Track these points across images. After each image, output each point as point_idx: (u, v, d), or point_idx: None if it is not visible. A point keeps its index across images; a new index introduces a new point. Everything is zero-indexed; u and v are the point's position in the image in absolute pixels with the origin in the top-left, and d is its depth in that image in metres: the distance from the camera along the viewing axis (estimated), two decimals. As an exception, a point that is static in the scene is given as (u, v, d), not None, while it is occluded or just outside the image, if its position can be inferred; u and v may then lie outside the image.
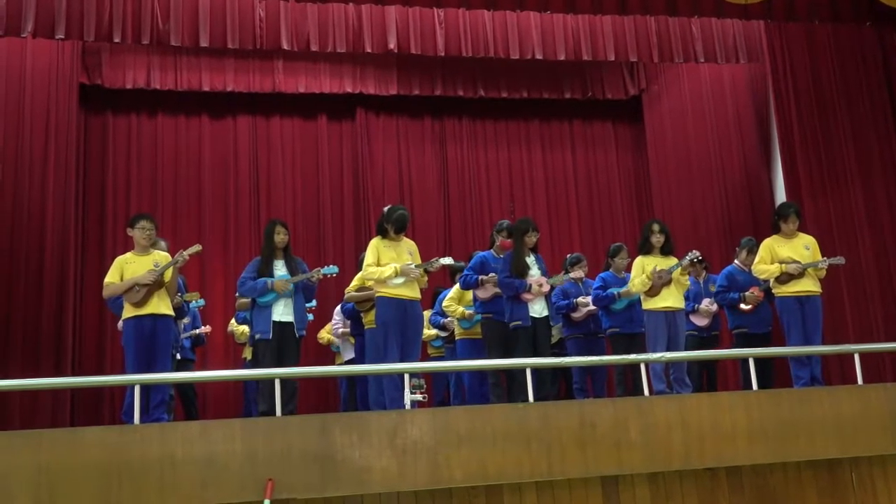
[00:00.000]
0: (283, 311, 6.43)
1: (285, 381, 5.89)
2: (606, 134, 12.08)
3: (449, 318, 8.05)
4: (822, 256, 7.08)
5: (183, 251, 6.17)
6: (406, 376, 5.71)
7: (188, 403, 8.24)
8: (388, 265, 6.43)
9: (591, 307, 7.80)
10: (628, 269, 7.58)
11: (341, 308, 8.08)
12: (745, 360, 6.90)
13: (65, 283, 9.13)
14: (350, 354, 8.47)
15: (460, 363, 7.27)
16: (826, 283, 7.16)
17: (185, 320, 7.94)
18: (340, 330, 8.63)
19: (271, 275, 6.50)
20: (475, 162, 11.56)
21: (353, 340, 8.27)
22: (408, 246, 6.66)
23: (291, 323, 6.44)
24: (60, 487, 4.75)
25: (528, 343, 6.73)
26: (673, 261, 7.01)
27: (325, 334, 9.30)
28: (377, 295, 6.52)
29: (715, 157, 10.28)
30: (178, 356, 7.52)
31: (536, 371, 6.36)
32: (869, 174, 8.61)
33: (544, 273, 7.00)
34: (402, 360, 6.29)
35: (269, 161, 10.88)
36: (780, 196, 9.44)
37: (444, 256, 6.80)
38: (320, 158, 11.03)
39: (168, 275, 6.22)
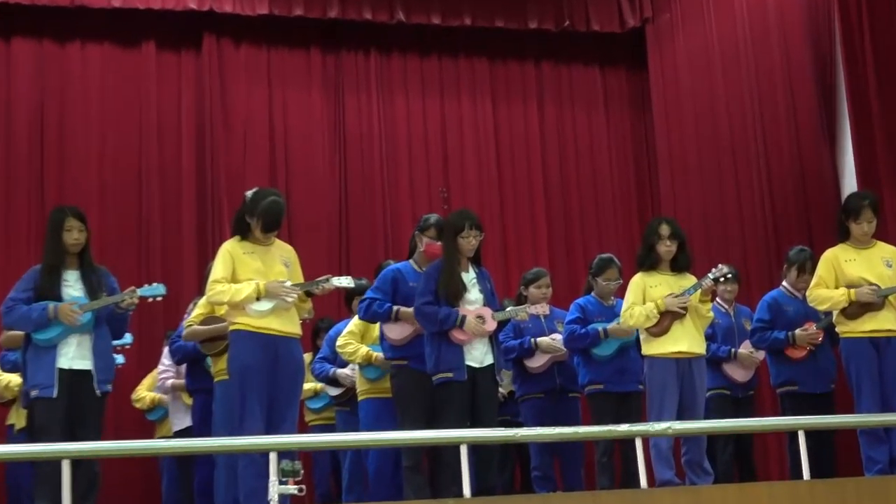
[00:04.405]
0: (74, 354, 6.31)
1: (80, 465, 5.73)
2: (591, 84, 12.15)
3: (347, 369, 8.00)
4: (913, 277, 7.19)
5: None
6: (273, 456, 5.64)
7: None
8: (248, 281, 6.35)
9: (560, 349, 7.82)
10: (620, 293, 7.62)
11: (170, 348, 7.97)
12: (793, 434, 6.97)
13: None
14: (184, 422, 8.38)
15: (359, 437, 7.19)
16: (915, 319, 7.29)
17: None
18: (170, 382, 8.53)
19: (58, 296, 6.36)
20: (390, 119, 11.54)
21: (188, 400, 8.17)
22: (282, 252, 6.61)
23: (90, 372, 6.31)
24: None
25: (462, 406, 6.68)
26: (690, 280, 7.07)
27: (144, 392, 9.17)
28: (232, 328, 6.45)
29: (753, 126, 10.41)
30: None
31: (476, 449, 6.32)
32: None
33: (490, 297, 6.96)
34: (268, 430, 6.21)
35: (64, 108, 10.74)
36: (850, 185, 9.60)
37: (339, 276, 6.71)
38: (145, 107, 10.92)
39: None
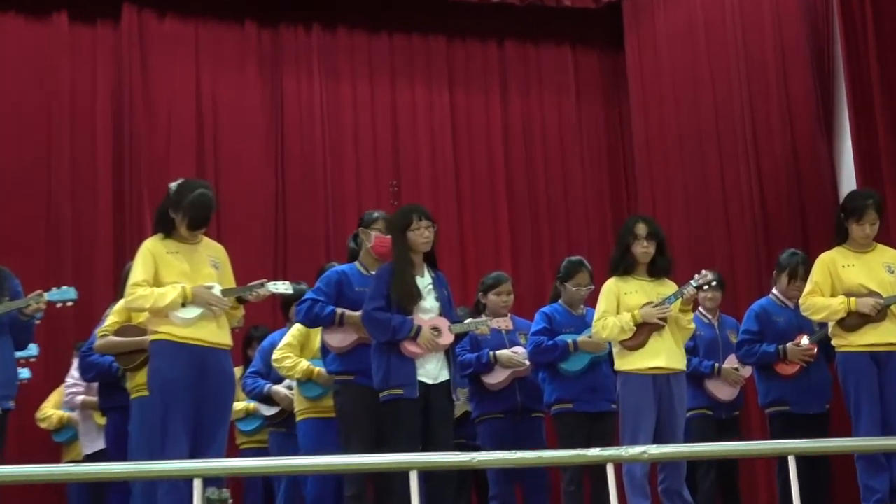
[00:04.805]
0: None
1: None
2: (561, 65, 12.24)
3: (284, 386, 8.03)
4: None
5: None
6: (198, 483, 5.64)
7: None
8: (173, 285, 6.36)
9: (522, 364, 7.85)
10: (591, 301, 7.67)
11: (82, 364, 7.94)
12: (783, 460, 7.02)
13: None
14: (96, 444, 8.35)
15: (296, 461, 7.18)
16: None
17: None
18: (80, 398, 8.51)
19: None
20: (334, 104, 11.57)
21: (101, 419, 8.13)
22: (210, 252, 6.62)
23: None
24: None
25: (413, 427, 6.68)
26: (669, 287, 7.13)
27: (50, 410, 9.16)
28: (153, 338, 6.45)
29: (741, 114, 10.47)
30: None
31: (429, 476, 6.35)
32: None
33: (448, 305, 6.98)
34: (193, 454, 6.21)
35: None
36: (849, 181, 9.69)
37: (275, 280, 6.72)
38: (56, 86, 10.89)
39: None
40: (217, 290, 6.42)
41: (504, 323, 7.47)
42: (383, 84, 11.77)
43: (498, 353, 7.90)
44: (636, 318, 6.96)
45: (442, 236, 7.31)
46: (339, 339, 7.14)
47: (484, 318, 7.55)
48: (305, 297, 7.26)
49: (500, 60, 12.12)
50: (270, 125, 11.37)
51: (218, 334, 6.46)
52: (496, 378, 7.92)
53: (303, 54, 11.58)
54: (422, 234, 6.85)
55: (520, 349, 7.93)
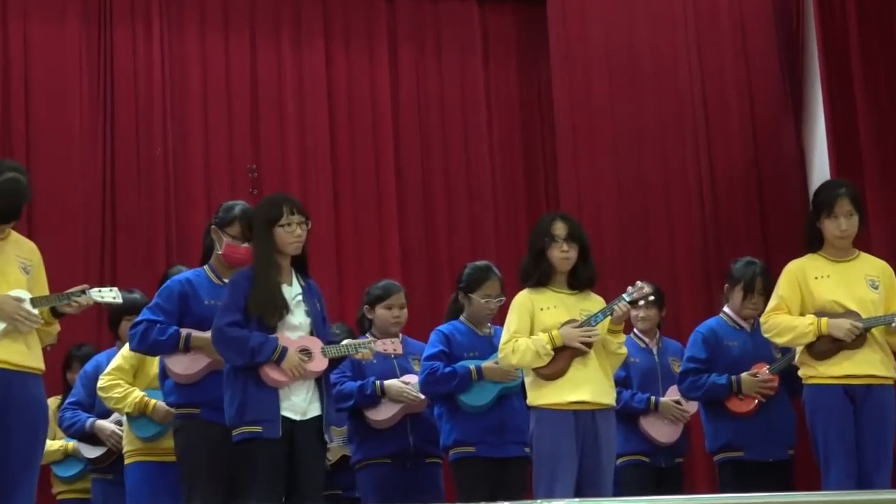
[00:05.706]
0: None
1: None
2: (464, 21, 12.27)
3: (111, 421, 8.00)
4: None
5: None
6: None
7: None
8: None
9: (416, 398, 7.89)
10: (500, 318, 7.71)
11: None
12: (736, 518, 7.16)
13: None
14: None
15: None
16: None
17: None
18: None
19: None
20: (178, 63, 11.52)
21: None
22: (20, 252, 6.59)
23: None
24: None
25: (274, 474, 6.68)
26: (596, 302, 7.20)
27: None
28: (-54, 360, 6.42)
29: (689, 86, 10.60)
30: None
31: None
32: None
33: (321, 322, 7.00)
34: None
35: None
36: (821, 171, 9.83)
37: (101, 287, 6.70)
38: None
39: None
40: (26, 300, 6.37)
41: (392, 346, 7.42)
42: (241, 39, 11.68)
43: (386, 383, 7.93)
44: (554, 341, 6.95)
45: (314, 236, 7.27)
46: (186, 366, 7.11)
47: (367, 338, 7.53)
48: (140, 317, 7.22)
49: (389, 14, 12.07)
50: (97, 88, 11.23)
51: (26, 355, 6.42)
52: (383, 413, 7.94)
53: (140, 12, 11.41)
54: (293, 233, 6.83)
55: (413, 378, 7.95)
